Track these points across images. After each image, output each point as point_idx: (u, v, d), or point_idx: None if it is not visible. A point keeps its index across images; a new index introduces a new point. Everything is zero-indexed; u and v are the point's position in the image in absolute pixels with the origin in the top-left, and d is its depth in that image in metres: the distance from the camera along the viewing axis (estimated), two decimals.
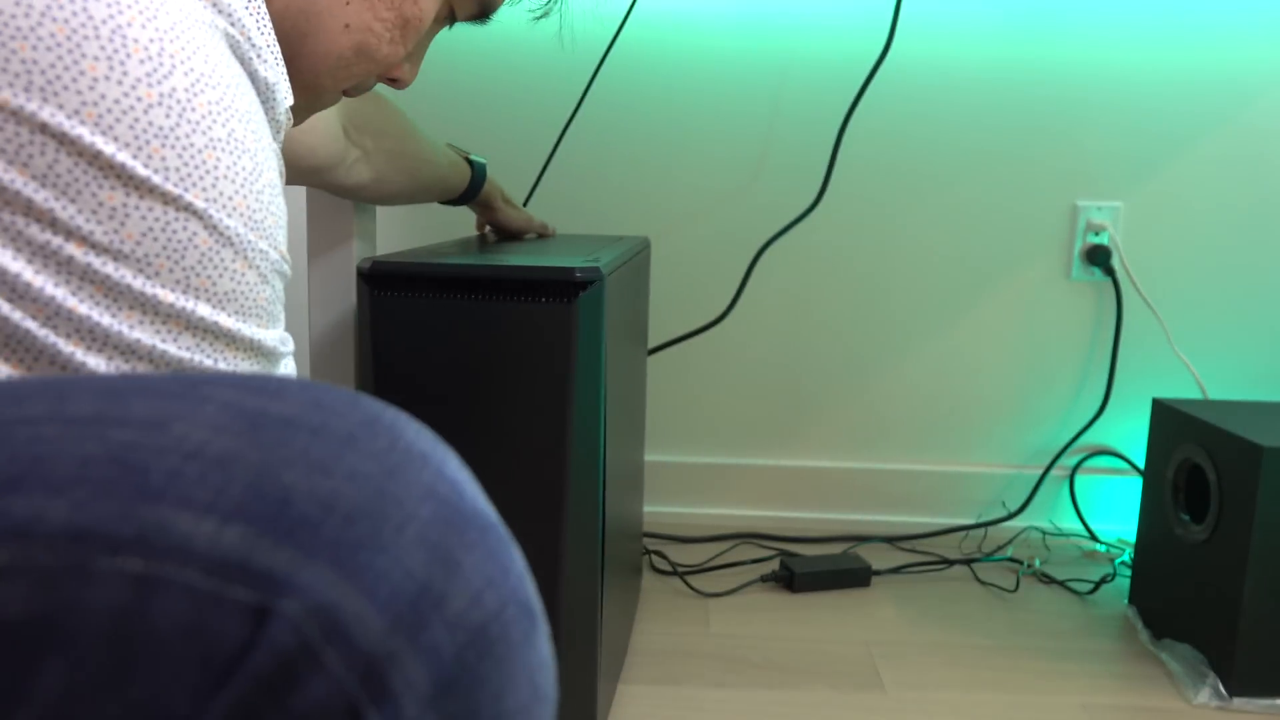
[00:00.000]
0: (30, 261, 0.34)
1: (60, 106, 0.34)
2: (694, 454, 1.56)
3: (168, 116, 0.36)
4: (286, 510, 0.24)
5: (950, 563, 1.40)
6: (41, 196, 0.34)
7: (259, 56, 0.42)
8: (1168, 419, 1.21)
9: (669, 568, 1.36)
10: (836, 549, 1.44)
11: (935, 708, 1.03)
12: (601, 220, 1.51)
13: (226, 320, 0.38)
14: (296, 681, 0.23)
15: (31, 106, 0.33)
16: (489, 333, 0.84)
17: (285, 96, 0.45)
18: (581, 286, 0.83)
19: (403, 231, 1.50)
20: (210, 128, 0.37)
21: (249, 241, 0.39)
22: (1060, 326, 1.51)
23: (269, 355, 0.41)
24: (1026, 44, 1.44)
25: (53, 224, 0.34)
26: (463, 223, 1.51)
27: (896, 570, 1.37)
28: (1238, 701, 1.05)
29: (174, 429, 0.25)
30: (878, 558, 1.41)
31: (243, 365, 0.40)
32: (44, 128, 0.34)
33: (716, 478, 1.55)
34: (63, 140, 0.34)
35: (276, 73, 0.44)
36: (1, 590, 0.23)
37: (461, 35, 1.46)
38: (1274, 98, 1.43)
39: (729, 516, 1.54)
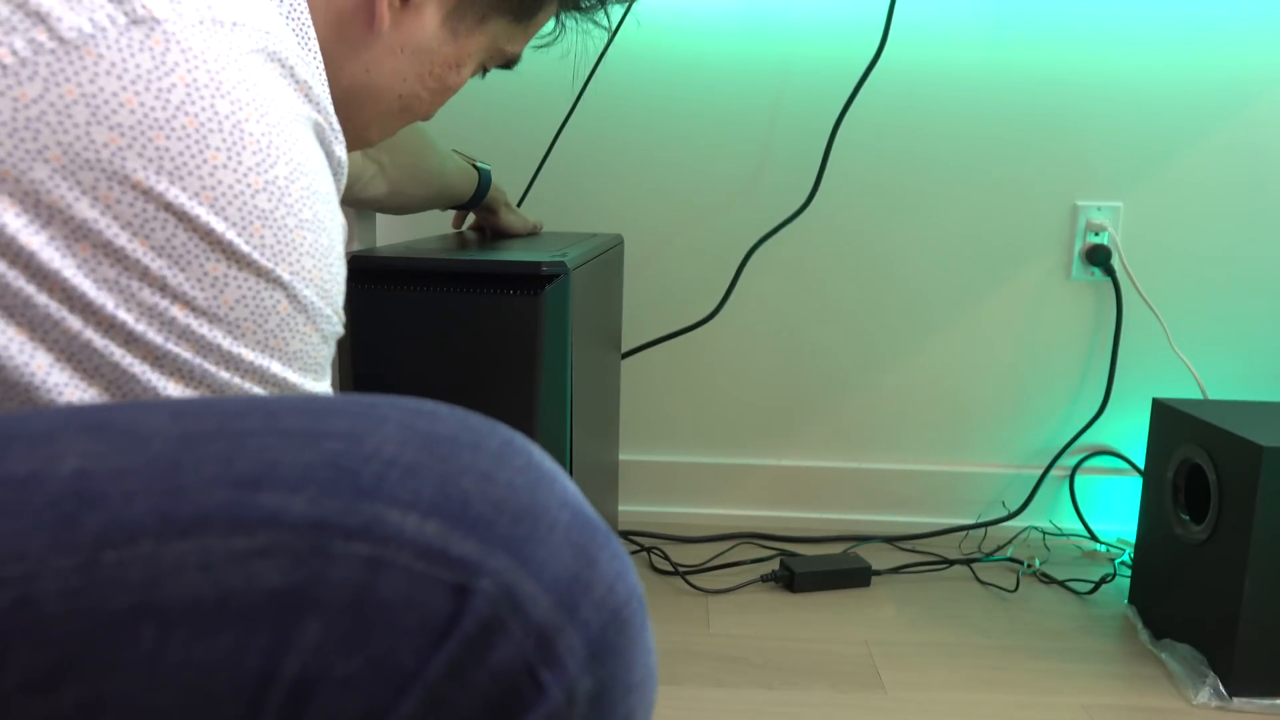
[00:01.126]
0: (139, 320, 0.38)
1: (184, 189, 0.39)
2: (694, 454, 1.56)
3: (269, 200, 0.41)
4: (467, 510, 0.31)
5: (950, 563, 1.40)
6: (157, 265, 0.38)
7: (336, 139, 0.49)
8: (1168, 419, 1.21)
9: (669, 567, 1.36)
10: (836, 549, 1.44)
11: (935, 708, 1.03)
12: (596, 219, 1.51)
13: (293, 376, 0.43)
14: (491, 645, 0.30)
15: (160, 187, 0.38)
16: (460, 324, 0.88)
17: (345, 164, 0.51)
18: (547, 280, 0.88)
19: (403, 230, 1.50)
20: (300, 210, 0.43)
21: (319, 309, 0.44)
22: (1060, 326, 1.51)
23: None
24: (1026, 44, 1.44)
25: (163, 288, 0.39)
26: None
27: (896, 570, 1.37)
28: (1238, 701, 1.05)
29: (369, 442, 0.31)
30: (878, 558, 1.41)
31: None
32: (169, 206, 0.38)
33: (717, 478, 1.55)
34: (182, 218, 0.39)
35: (343, 149, 0.50)
36: (265, 565, 0.29)
37: None
38: (1273, 97, 1.43)
39: (729, 516, 1.54)
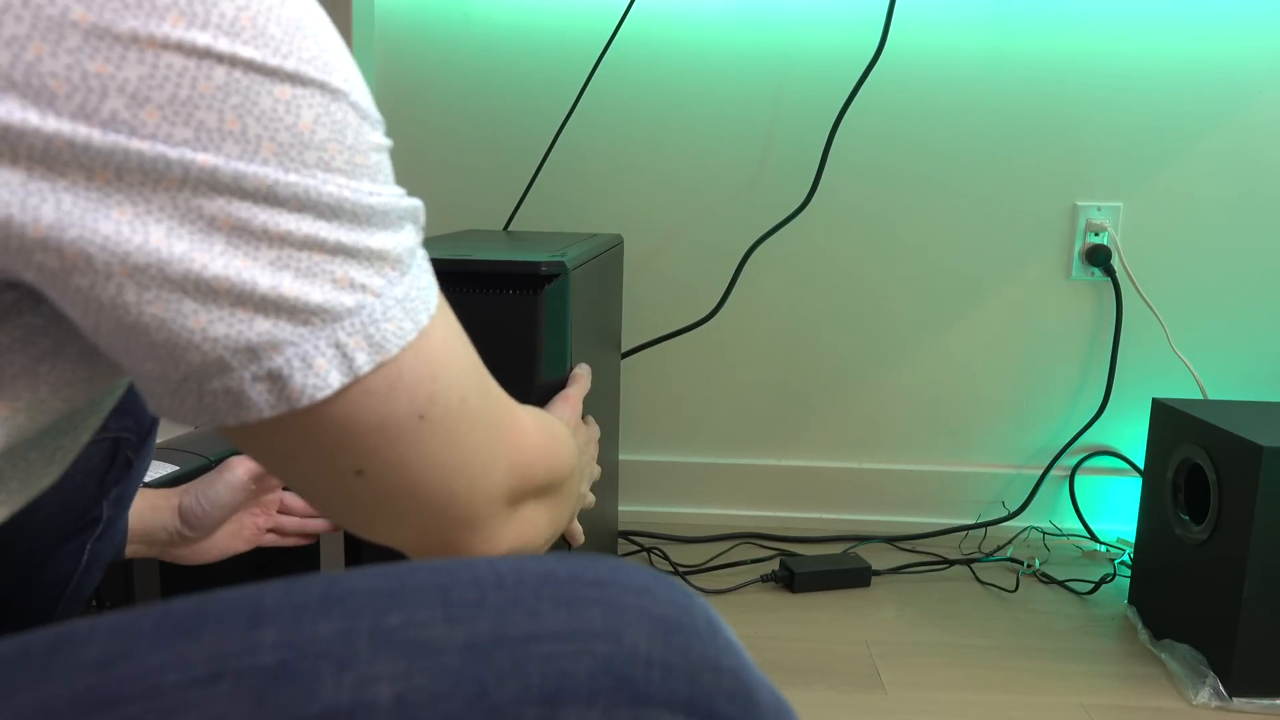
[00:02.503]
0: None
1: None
2: (694, 454, 1.56)
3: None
4: (714, 707, 0.34)
5: (950, 563, 1.40)
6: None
7: None
8: (1168, 419, 1.21)
9: (669, 568, 1.36)
10: (836, 549, 1.44)
11: (935, 708, 1.03)
12: (596, 219, 1.51)
13: (382, 189, 0.40)
14: None
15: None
16: (461, 323, 0.87)
17: None
18: (547, 279, 0.88)
19: None
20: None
21: (370, 112, 0.40)
22: (1060, 326, 1.51)
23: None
24: (1026, 44, 1.44)
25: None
26: (463, 219, 1.51)
27: (896, 570, 1.37)
28: (1238, 701, 1.05)
29: (626, 641, 0.33)
30: (878, 558, 1.41)
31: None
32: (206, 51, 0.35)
33: (717, 478, 1.55)
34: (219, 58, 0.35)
35: None
36: None
37: (461, 32, 1.46)
38: (1274, 98, 1.43)
39: (729, 516, 1.54)
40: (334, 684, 0.31)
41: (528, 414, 0.52)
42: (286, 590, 0.34)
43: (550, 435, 0.54)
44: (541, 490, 0.52)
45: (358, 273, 0.38)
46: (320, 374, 0.37)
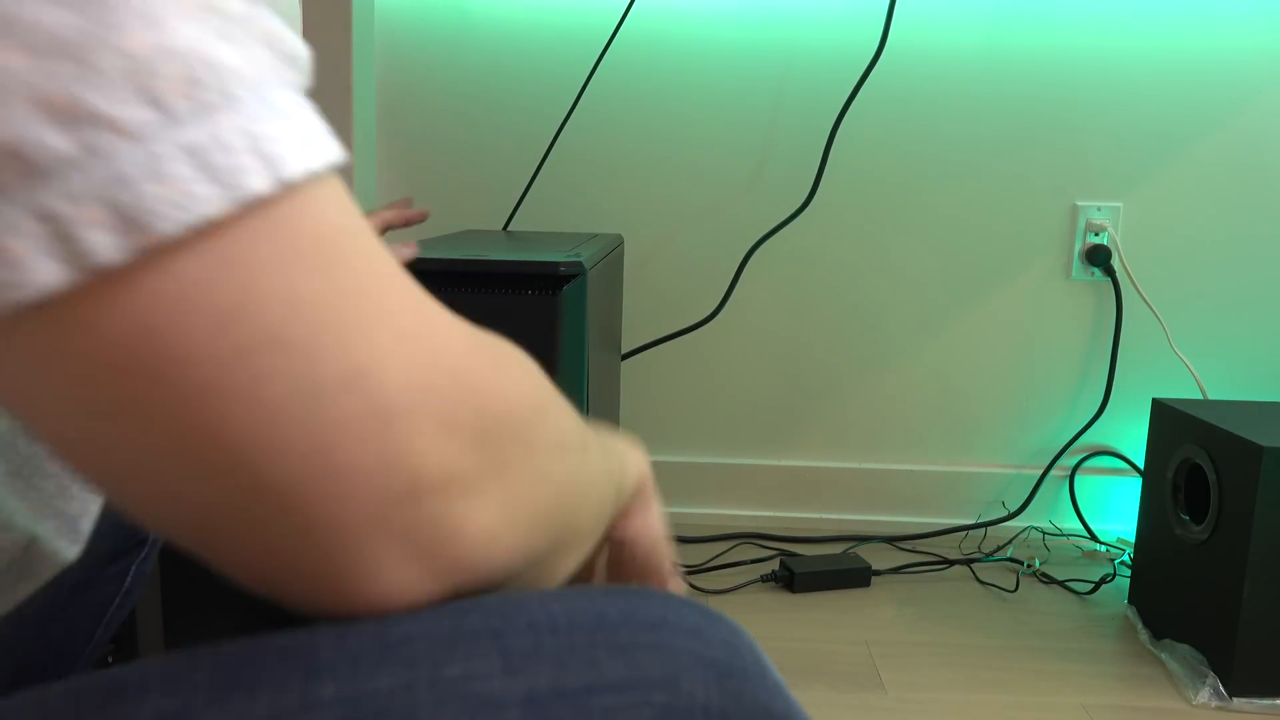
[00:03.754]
0: None
1: None
2: (694, 454, 1.56)
3: None
4: None
5: (950, 563, 1.40)
6: None
7: None
8: (1168, 419, 1.21)
9: None
10: (836, 549, 1.44)
11: (935, 708, 1.03)
12: (596, 219, 1.51)
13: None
14: None
15: None
16: (476, 325, 0.87)
17: None
18: (565, 280, 0.86)
19: (410, 230, 1.50)
20: None
21: None
22: (1060, 326, 1.51)
23: None
24: (1026, 44, 1.44)
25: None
26: (463, 219, 1.51)
27: (896, 570, 1.37)
28: (1238, 701, 1.05)
29: (684, 689, 0.32)
30: (878, 558, 1.41)
31: None
32: None
33: (716, 478, 1.55)
34: None
35: None
36: None
37: (461, 32, 1.46)
38: (1273, 97, 1.43)
39: (729, 516, 1.54)
40: None
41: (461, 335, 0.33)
42: (340, 636, 0.32)
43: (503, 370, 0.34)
44: (495, 465, 0.31)
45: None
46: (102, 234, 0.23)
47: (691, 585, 1.31)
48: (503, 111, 1.48)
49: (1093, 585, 1.33)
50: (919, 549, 1.46)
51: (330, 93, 1.31)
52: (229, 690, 0.29)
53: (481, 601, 0.33)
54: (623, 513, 0.46)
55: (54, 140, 0.22)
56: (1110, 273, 1.47)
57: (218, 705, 0.29)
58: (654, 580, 0.49)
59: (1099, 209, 1.47)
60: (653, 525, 0.48)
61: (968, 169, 1.47)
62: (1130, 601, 1.27)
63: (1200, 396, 1.48)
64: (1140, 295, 1.48)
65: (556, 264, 0.86)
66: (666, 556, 0.49)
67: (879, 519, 1.54)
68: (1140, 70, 1.43)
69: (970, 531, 1.50)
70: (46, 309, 0.23)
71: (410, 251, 0.92)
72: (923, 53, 1.44)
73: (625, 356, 1.48)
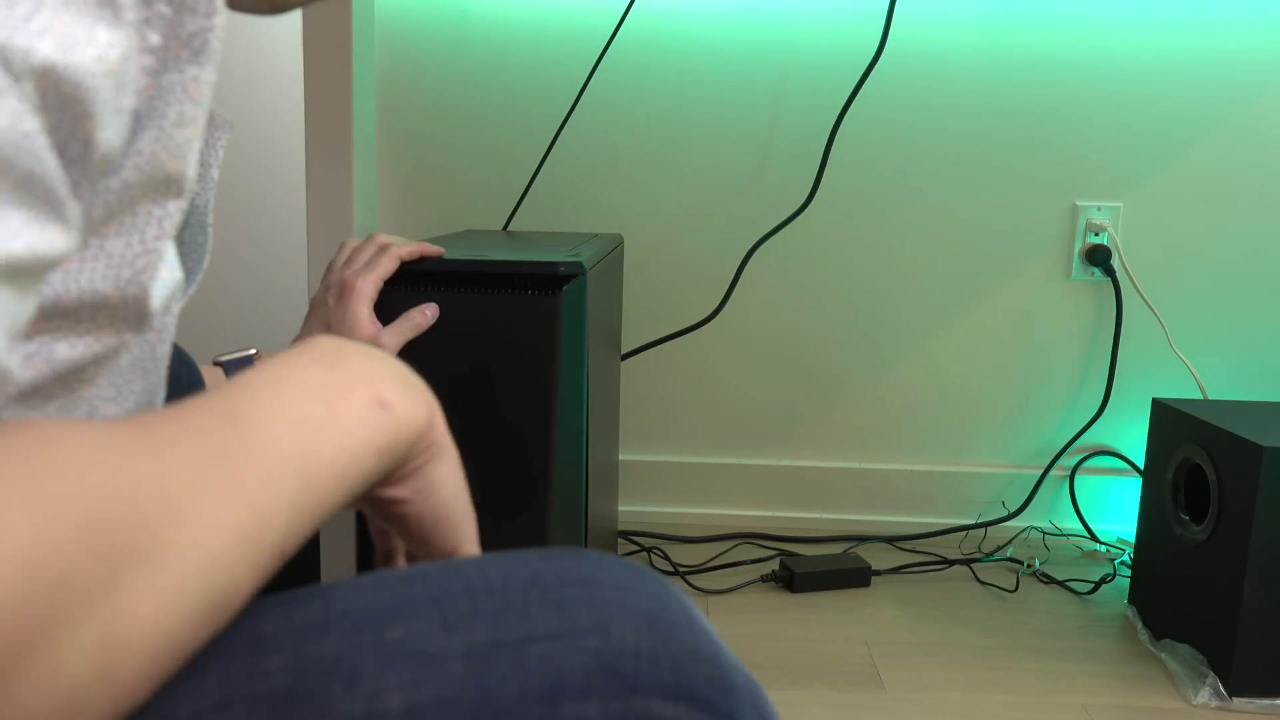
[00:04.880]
0: None
1: None
2: (694, 454, 1.56)
3: None
4: (697, 692, 0.35)
5: (950, 563, 1.40)
6: None
7: None
8: (1168, 419, 1.21)
9: (669, 568, 1.36)
10: (836, 549, 1.44)
11: (935, 708, 1.03)
12: (596, 219, 1.51)
13: None
14: None
15: None
16: (477, 325, 0.87)
17: None
18: (565, 280, 0.86)
19: (401, 228, 1.50)
20: None
21: None
22: (1060, 326, 1.51)
23: None
24: (1026, 44, 1.44)
25: None
26: (463, 219, 1.51)
27: (896, 570, 1.37)
28: (1238, 701, 1.05)
29: (614, 634, 0.34)
30: (878, 558, 1.41)
31: None
32: None
33: (717, 478, 1.55)
34: None
35: None
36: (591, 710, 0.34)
37: (461, 32, 1.46)
38: (1274, 97, 1.43)
39: (729, 516, 1.54)
40: (346, 698, 0.32)
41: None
42: (285, 614, 0.34)
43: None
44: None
45: None
46: None
47: (691, 585, 1.31)
48: (503, 111, 1.48)
49: (1093, 585, 1.33)
50: (919, 549, 1.46)
51: (330, 93, 1.31)
52: (183, 671, 0.31)
53: (422, 569, 0.36)
54: (394, 472, 0.42)
55: None
56: (1110, 273, 1.47)
57: (172, 686, 0.30)
58: (444, 546, 0.46)
59: (1099, 209, 1.47)
60: (434, 487, 0.44)
61: (968, 169, 1.47)
62: (1130, 601, 1.27)
63: (1200, 396, 1.48)
64: (1140, 295, 1.48)
65: (556, 264, 0.86)
66: (459, 522, 0.46)
67: (879, 519, 1.54)
68: (1140, 70, 1.43)
69: (970, 531, 1.50)
70: None
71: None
72: (923, 53, 1.44)
73: (625, 356, 1.48)
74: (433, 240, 1.11)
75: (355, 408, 0.37)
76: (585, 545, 0.95)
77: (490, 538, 0.51)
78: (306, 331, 0.87)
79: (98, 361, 0.36)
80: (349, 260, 0.87)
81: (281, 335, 1.52)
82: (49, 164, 0.27)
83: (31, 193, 0.27)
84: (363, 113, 1.39)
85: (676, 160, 1.49)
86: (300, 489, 0.33)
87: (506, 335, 0.87)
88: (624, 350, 1.48)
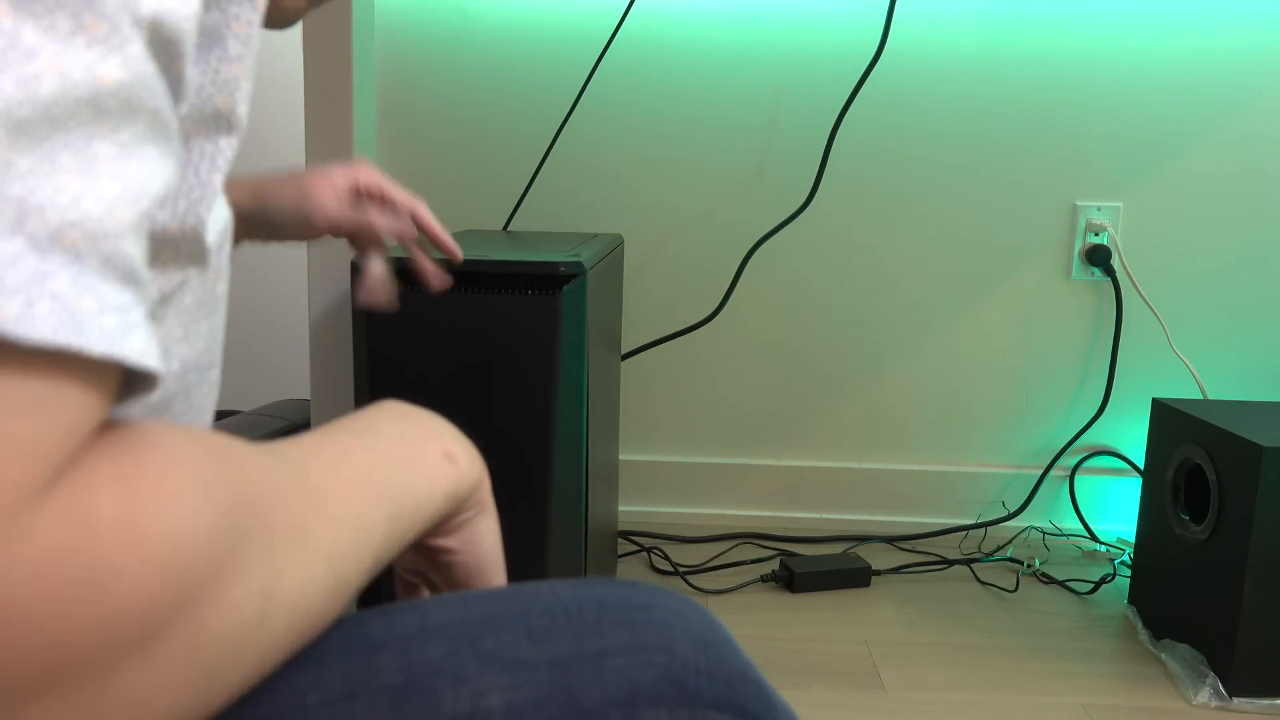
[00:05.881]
0: None
1: None
2: (694, 454, 1.56)
3: None
4: (747, 707, 0.39)
5: (950, 563, 1.40)
6: None
7: None
8: (1168, 419, 1.21)
9: (669, 568, 1.36)
10: (836, 549, 1.44)
11: (935, 708, 1.03)
12: (596, 219, 1.51)
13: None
14: None
15: None
16: (478, 325, 0.87)
17: None
18: (565, 280, 0.87)
19: None
20: None
21: None
22: (1060, 326, 1.51)
23: None
24: (1026, 44, 1.44)
25: None
26: (463, 219, 1.51)
27: (896, 570, 1.37)
28: (1238, 701, 1.05)
29: (678, 653, 0.38)
30: (878, 558, 1.41)
31: None
32: None
33: (717, 478, 1.55)
34: None
35: None
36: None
37: (461, 32, 1.46)
38: (1274, 98, 1.43)
39: (729, 516, 1.54)
40: (453, 696, 0.36)
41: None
42: (386, 623, 0.38)
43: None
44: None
45: None
46: None
47: (692, 585, 1.31)
48: (503, 111, 1.48)
49: (1093, 585, 1.33)
50: (919, 549, 1.46)
51: (330, 93, 1.31)
52: (304, 666, 0.35)
53: (502, 591, 0.41)
54: (444, 522, 0.46)
55: None
56: (1110, 273, 1.47)
57: (297, 676, 0.35)
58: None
59: (1099, 209, 1.47)
60: (480, 539, 0.48)
61: (968, 169, 1.47)
62: (1130, 601, 1.28)
63: (1200, 396, 1.48)
64: (1140, 295, 1.48)
65: (556, 264, 0.86)
66: (496, 573, 0.50)
67: (879, 519, 1.54)
68: (1140, 70, 1.43)
69: (970, 531, 1.50)
70: None
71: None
72: (923, 53, 1.44)
73: (625, 356, 1.48)
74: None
75: (428, 455, 0.44)
76: (585, 545, 0.94)
77: None
78: (273, 180, 0.77)
79: (165, 300, 0.37)
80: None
81: (281, 335, 1.52)
82: (166, 103, 0.30)
83: (160, 131, 0.29)
84: (363, 113, 1.39)
85: (676, 161, 1.49)
86: (391, 512, 0.39)
87: (507, 335, 0.87)
88: (624, 350, 1.48)
